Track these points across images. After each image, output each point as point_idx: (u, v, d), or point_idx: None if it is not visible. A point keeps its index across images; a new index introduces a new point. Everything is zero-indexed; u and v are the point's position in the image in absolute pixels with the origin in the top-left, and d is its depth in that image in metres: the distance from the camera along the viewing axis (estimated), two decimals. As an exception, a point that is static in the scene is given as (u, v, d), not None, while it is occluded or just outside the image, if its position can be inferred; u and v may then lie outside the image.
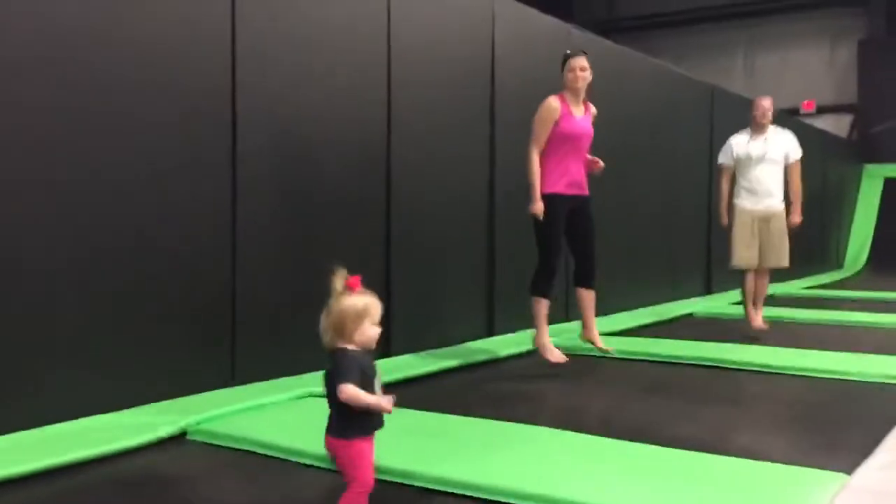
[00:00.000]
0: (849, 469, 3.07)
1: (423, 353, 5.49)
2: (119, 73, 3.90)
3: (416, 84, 5.64)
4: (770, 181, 6.62)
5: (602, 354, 5.53)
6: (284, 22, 4.71)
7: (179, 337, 4.18)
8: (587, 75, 4.93)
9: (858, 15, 16.70)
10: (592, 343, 5.08)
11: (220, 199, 4.39)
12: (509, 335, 6.34)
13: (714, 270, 10.08)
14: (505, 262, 6.46)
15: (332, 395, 2.45)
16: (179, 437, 3.57)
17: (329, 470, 3.18)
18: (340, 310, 2.47)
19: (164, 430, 3.52)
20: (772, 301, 7.56)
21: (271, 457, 3.32)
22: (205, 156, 4.32)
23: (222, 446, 3.47)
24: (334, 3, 5.04)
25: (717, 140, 9.97)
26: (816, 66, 17.16)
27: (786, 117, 13.80)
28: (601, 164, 5.09)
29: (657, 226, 8.90)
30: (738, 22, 17.63)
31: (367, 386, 2.45)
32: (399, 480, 3.01)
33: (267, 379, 4.52)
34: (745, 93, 12.14)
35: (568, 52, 5.05)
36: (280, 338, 4.70)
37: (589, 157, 5.11)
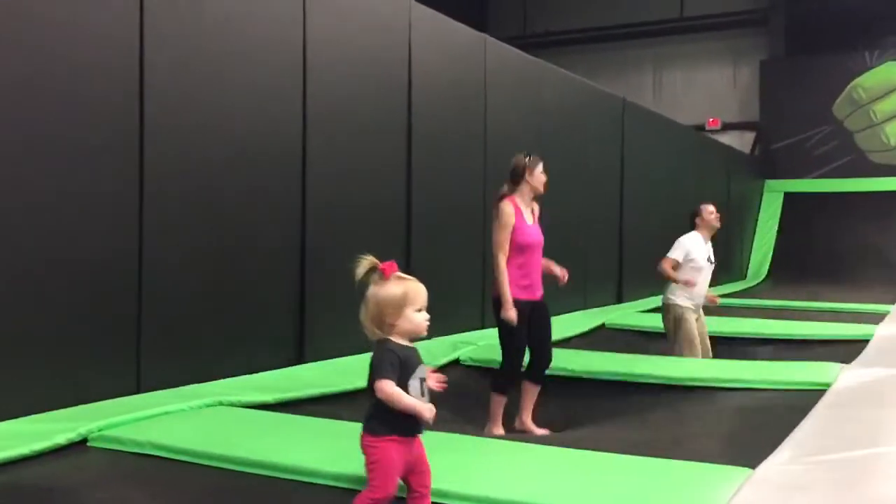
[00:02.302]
0: (752, 465, 3.15)
1: (336, 361, 5.39)
2: (21, 80, 3.74)
3: (332, 91, 5.57)
4: (708, 282, 6.47)
5: None
6: (195, 28, 4.61)
7: (82, 344, 4.02)
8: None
9: (760, 36, 17.38)
10: (526, 431, 4.88)
11: (126, 204, 4.25)
12: (443, 338, 6.27)
13: (625, 279, 10.28)
14: (423, 269, 6.44)
15: (370, 388, 2.30)
16: (80, 445, 3.43)
17: (236, 472, 3.11)
18: (377, 300, 2.34)
19: (63, 437, 3.37)
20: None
21: (176, 461, 3.22)
22: (111, 161, 4.17)
23: (126, 452, 3.35)
24: (248, 9, 4.95)
25: (628, 150, 10.21)
26: (721, 84, 17.77)
27: (693, 133, 14.24)
28: (566, 277, 4.98)
29: (569, 234, 9.02)
30: (647, 41, 18.13)
31: (405, 379, 2.30)
32: (329, 483, 2.97)
33: (173, 387, 4.38)
34: (653, 108, 12.46)
35: (529, 156, 4.76)
36: (188, 345, 4.58)
37: (557, 269, 4.98)
